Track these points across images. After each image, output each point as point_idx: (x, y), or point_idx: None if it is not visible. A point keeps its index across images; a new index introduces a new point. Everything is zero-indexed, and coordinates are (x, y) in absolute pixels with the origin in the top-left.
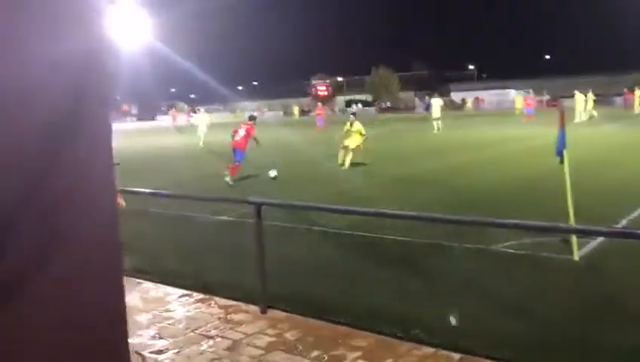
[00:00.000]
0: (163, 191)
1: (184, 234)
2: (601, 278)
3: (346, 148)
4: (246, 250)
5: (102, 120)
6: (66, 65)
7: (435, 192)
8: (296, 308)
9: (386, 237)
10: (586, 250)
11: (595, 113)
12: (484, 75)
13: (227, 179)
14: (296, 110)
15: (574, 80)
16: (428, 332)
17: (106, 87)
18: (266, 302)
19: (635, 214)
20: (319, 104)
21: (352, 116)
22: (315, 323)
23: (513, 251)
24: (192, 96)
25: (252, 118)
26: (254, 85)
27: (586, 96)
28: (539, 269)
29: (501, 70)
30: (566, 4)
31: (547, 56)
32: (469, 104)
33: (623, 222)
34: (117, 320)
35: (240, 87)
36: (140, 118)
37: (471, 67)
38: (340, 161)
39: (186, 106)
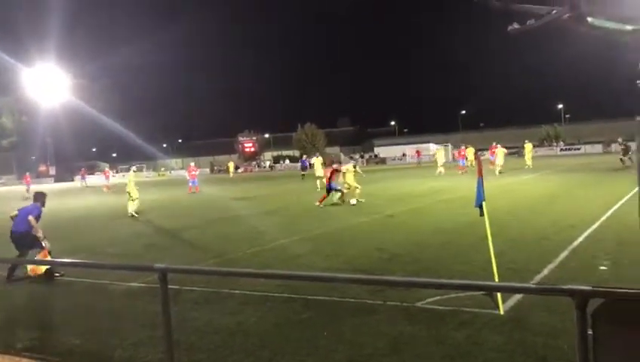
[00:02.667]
0: (57, 260)
1: (87, 304)
2: (528, 333)
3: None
4: (156, 320)
5: None
6: None
7: (361, 247)
8: None
9: (311, 297)
10: (510, 302)
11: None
12: (405, 130)
13: None
14: (231, 166)
15: (489, 133)
16: None
17: None
18: None
19: (555, 263)
20: (191, 164)
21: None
22: None
23: (439, 307)
24: (114, 155)
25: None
26: (179, 142)
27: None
28: (465, 326)
29: (420, 125)
30: (480, 65)
31: (463, 112)
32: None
33: (545, 272)
34: None
35: (164, 145)
36: (57, 179)
37: (392, 123)
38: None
39: (104, 165)
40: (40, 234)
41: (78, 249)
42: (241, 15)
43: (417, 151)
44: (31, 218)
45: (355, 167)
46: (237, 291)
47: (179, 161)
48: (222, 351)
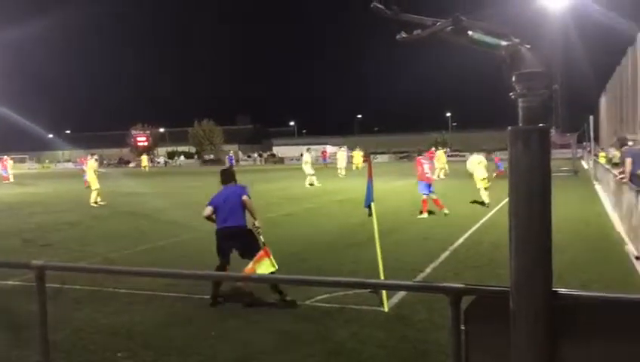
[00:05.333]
0: None
1: None
2: (410, 329)
3: None
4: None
5: None
6: None
7: None
8: None
9: (198, 296)
10: (395, 300)
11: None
12: (304, 131)
13: None
14: (144, 160)
15: (383, 138)
16: None
17: None
18: None
19: (436, 263)
20: (88, 156)
21: None
22: None
23: (326, 305)
24: None
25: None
26: (67, 134)
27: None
28: (351, 323)
29: (319, 127)
30: (377, 72)
31: (359, 115)
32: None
33: (427, 271)
34: None
35: (51, 135)
36: None
37: (291, 123)
38: None
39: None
40: (259, 223)
41: None
42: (145, 6)
43: (323, 152)
44: (245, 198)
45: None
46: (122, 290)
47: (66, 152)
48: (103, 352)
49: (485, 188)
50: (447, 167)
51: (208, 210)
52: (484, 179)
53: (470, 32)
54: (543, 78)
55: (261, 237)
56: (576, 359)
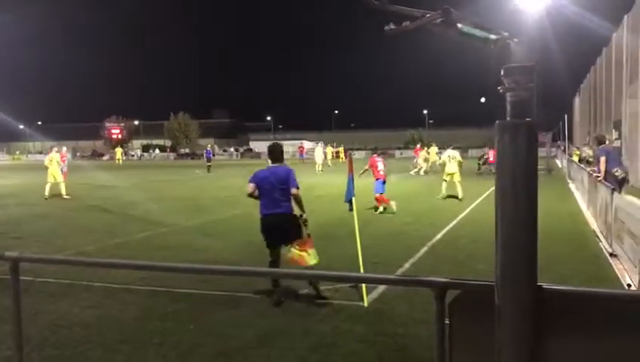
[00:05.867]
0: None
1: None
2: (390, 324)
3: None
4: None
5: None
6: None
7: (231, 240)
8: None
9: (176, 290)
10: (374, 295)
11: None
12: (280, 127)
13: None
14: (119, 153)
15: (359, 134)
16: None
17: None
18: None
19: (415, 258)
20: (64, 148)
21: None
22: None
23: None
24: None
25: None
26: (38, 125)
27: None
28: (331, 318)
29: (296, 122)
30: (355, 68)
31: (336, 111)
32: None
33: (406, 266)
34: None
35: (21, 126)
36: None
37: (268, 118)
38: None
39: None
40: (306, 216)
41: None
42: None
43: (300, 148)
44: (295, 191)
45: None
46: (97, 283)
47: (37, 144)
48: (77, 346)
49: (448, 181)
50: (438, 161)
51: (251, 186)
52: (450, 173)
53: (460, 25)
54: (532, 73)
55: (306, 228)
56: (561, 353)
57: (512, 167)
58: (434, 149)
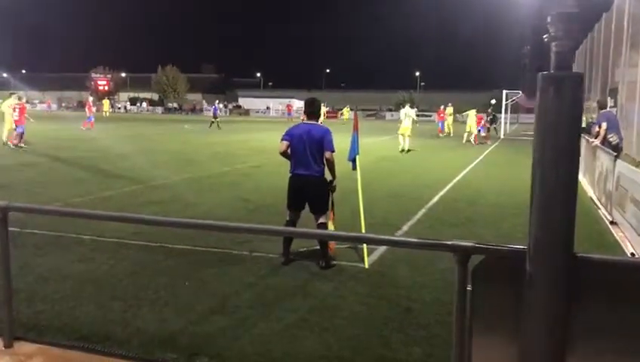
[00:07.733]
0: None
1: None
2: (392, 287)
3: None
4: None
5: None
6: None
7: (225, 197)
8: (54, 337)
9: (170, 246)
10: (374, 257)
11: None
12: (269, 84)
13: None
14: (106, 105)
15: (350, 94)
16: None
17: None
18: (12, 332)
19: (413, 220)
20: (90, 98)
21: None
22: (76, 355)
23: (306, 260)
24: None
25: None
26: (23, 74)
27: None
28: (332, 278)
29: (285, 80)
30: (347, 26)
31: (327, 70)
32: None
33: (404, 228)
34: None
35: (5, 75)
36: None
37: (258, 75)
38: None
39: None
40: (336, 182)
41: None
42: None
43: (288, 106)
44: (328, 154)
45: None
46: (86, 236)
47: (21, 93)
48: (68, 301)
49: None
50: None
51: (284, 145)
52: (405, 128)
53: None
54: (580, 22)
55: (332, 197)
56: (590, 322)
57: (554, 124)
58: (450, 110)
